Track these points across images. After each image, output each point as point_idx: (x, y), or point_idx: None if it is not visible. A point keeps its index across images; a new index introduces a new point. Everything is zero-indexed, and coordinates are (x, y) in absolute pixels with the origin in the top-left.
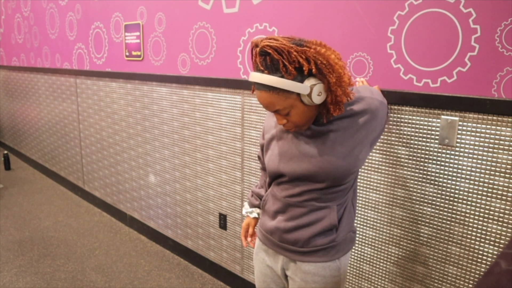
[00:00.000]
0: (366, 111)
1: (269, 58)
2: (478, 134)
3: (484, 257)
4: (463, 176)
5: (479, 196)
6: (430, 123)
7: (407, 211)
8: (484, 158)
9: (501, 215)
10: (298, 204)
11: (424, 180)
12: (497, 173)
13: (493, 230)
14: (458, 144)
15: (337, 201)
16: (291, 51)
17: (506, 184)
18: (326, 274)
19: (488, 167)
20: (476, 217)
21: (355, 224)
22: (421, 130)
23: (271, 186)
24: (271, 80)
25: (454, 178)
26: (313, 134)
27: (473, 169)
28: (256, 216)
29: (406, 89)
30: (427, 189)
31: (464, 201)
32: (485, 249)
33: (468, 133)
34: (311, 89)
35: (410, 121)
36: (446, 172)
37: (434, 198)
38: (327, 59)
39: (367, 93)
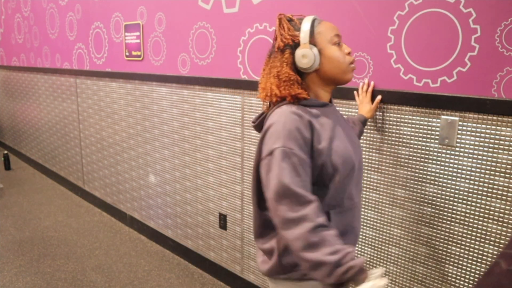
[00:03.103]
0: None
1: None
2: (478, 134)
3: (484, 257)
4: (463, 176)
5: (479, 196)
6: (430, 123)
7: (407, 211)
8: (484, 158)
9: (501, 215)
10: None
11: (424, 180)
12: (497, 173)
13: (493, 230)
14: (458, 144)
15: None
16: None
17: (506, 184)
18: None
19: (488, 167)
20: (476, 217)
21: None
22: (421, 130)
23: (338, 200)
24: None
25: (454, 178)
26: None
27: (473, 169)
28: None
29: (406, 89)
30: (427, 189)
31: (464, 201)
32: (485, 249)
33: (468, 133)
34: None
35: (410, 121)
36: (446, 172)
37: (434, 198)
38: None
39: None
